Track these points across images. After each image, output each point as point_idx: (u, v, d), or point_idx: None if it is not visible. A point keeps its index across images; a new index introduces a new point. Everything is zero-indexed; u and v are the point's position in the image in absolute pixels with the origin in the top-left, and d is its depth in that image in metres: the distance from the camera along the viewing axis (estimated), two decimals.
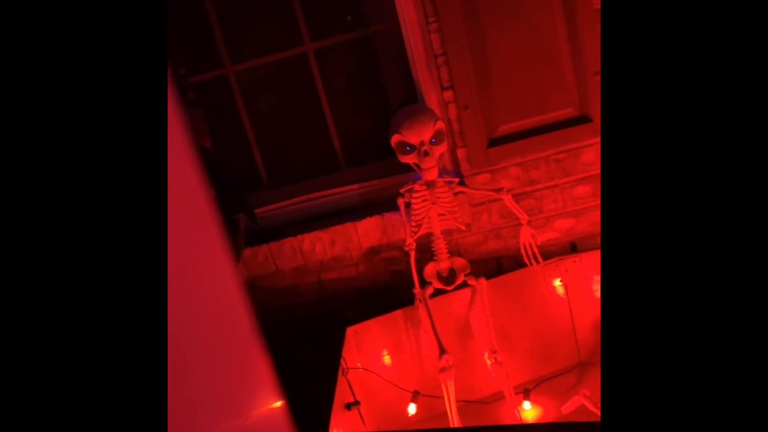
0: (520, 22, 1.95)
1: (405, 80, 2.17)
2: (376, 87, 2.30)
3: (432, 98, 2.10)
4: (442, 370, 1.92)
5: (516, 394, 2.05)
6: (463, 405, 2.13)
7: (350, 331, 2.04)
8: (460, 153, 2.12)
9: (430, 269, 2.10)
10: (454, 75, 2.01)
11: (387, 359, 2.18)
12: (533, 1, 1.93)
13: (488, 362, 2.05)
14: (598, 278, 2.19)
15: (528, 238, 2.13)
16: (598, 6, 1.93)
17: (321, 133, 2.30)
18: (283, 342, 2.01)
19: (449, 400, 1.93)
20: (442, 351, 1.92)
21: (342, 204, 2.29)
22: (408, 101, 2.12)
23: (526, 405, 2.05)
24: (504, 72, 2.00)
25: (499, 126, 2.07)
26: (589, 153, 2.10)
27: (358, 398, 1.87)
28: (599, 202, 2.15)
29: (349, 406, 1.74)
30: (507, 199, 2.09)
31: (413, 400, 2.00)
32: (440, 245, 2.09)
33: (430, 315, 2.01)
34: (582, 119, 2.04)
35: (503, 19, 1.95)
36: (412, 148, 1.99)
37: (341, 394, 1.76)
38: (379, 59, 2.25)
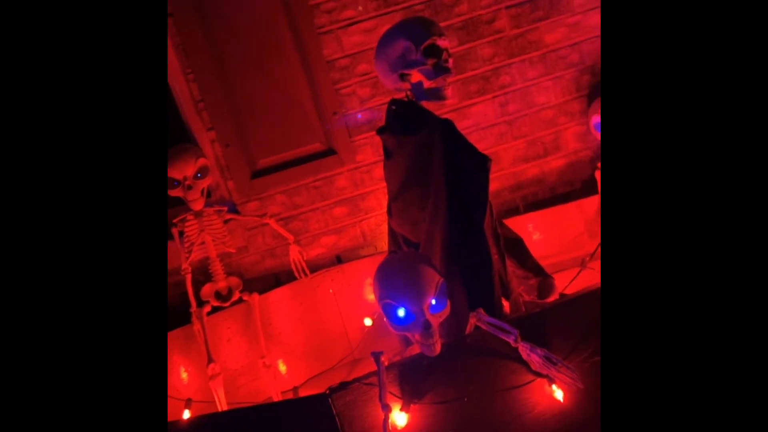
0: (265, 74, 2.22)
1: (179, 121, 2.37)
2: None
3: (203, 138, 2.32)
4: (211, 377, 2.12)
5: (284, 393, 2.29)
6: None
7: None
8: (230, 184, 2.36)
9: (207, 289, 2.29)
10: (213, 118, 2.25)
11: (185, 375, 2.33)
12: (274, 56, 2.22)
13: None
14: (368, 281, 2.51)
15: (296, 255, 2.40)
16: (330, 58, 2.27)
17: None
18: None
19: (220, 403, 2.13)
20: (210, 360, 2.13)
21: None
22: (184, 141, 2.33)
23: None
24: (257, 115, 2.26)
25: (259, 160, 2.33)
26: (341, 179, 2.42)
27: None
28: (354, 220, 2.47)
29: None
30: (272, 222, 2.35)
31: (186, 407, 2.18)
32: (216, 267, 2.29)
33: (203, 329, 2.20)
34: (329, 152, 2.35)
35: (250, 72, 2.21)
36: (179, 182, 2.20)
37: None
38: None
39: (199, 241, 2.24)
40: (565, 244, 2.44)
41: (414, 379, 1.46)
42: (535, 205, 2.52)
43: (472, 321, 1.43)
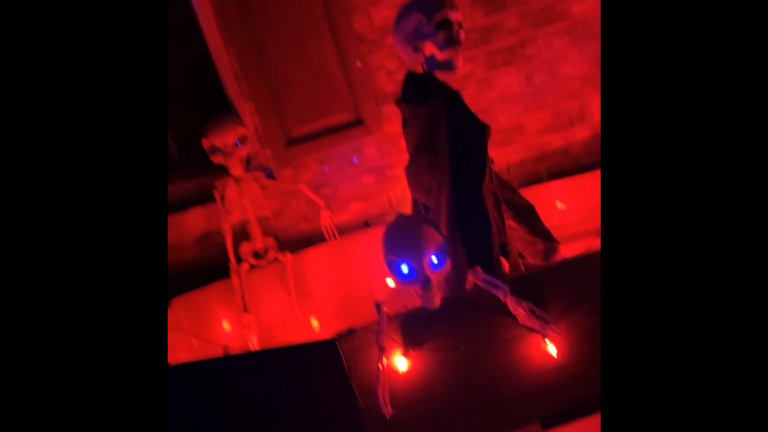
0: (299, 48, 2.36)
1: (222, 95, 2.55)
2: (210, 100, 2.66)
3: (243, 108, 2.49)
4: (245, 327, 2.33)
5: None
6: None
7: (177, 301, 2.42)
8: (266, 153, 2.53)
9: (245, 248, 2.50)
10: (251, 89, 2.41)
11: (226, 324, 2.57)
12: (308, 31, 2.34)
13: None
14: None
15: (326, 219, 2.56)
16: (360, 32, 2.36)
17: None
18: None
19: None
20: (245, 311, 2.34)
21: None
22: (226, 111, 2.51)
23: None
24: (292, 86, 2.40)
25: (294, 129, 2.48)
26: (369, 148, 2.54)
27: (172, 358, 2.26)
28: (382, 188, 2.59)
29: None
30: (304, 189, 2.51)
31: (224, 353, 2.41)
32: (254, 228, 2.49)
33: (241, 284, 2.41)
34: (358, 122, 2.47)
35: (285, 47, 2.35)
36: (220, 150, 2.39)
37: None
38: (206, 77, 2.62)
39: (239, 204, 2.44)
40: (585, 213, 2.47)
41: (415, 329, 1.58)
42: (559, 175, 2.55)
43: (470, 278, 1.53)
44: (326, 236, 2.55)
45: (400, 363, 1.56)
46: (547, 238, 1.86)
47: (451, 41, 1.65)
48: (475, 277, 1.51)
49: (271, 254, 2.49)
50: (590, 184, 2.55)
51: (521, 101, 2.47)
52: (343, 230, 2.58)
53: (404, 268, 1.55)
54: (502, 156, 2.54)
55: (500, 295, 1.44)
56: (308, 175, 2.54)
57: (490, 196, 1.61)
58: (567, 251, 2.33)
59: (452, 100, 1.62)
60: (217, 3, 2.31)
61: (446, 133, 1.57)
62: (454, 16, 1.67)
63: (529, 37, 2.39)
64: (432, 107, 1.62)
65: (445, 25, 1.65)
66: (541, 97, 2.47)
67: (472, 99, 2.42)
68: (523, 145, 2.52)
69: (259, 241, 2.48)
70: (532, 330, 1.47)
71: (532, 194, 2.48)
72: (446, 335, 1.61)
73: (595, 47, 2.42)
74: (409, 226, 1.55)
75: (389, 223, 1.60)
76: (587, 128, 2.51)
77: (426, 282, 1.51)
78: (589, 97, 2.47)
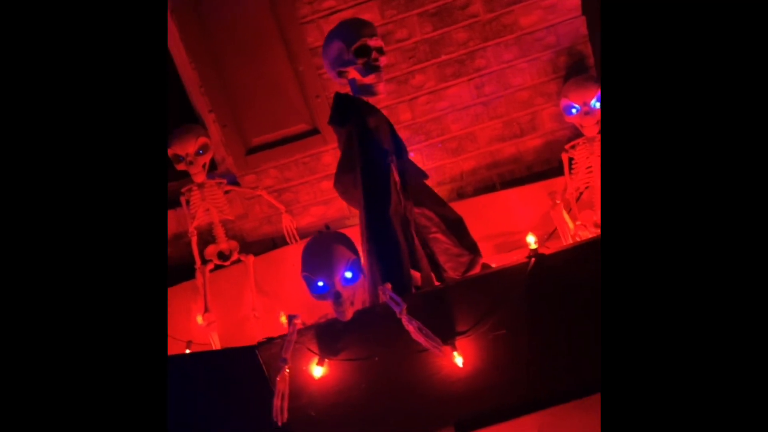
0: (255, 63, 2.45)
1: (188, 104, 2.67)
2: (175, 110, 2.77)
3: (207, 118, 2.61)
4: (208, 324, 2.48)
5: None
6: None
7: None
8: (229, 160, 2.64)
9: (210, 250, 2.63)
10: (212, 101, 2.52)
11: (199, 318, 2.72)
12: (262, 45, 2.42)
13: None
14: None
15: (288, 223, 2.67)
16: (313, 45, 2.44)
17: None
18: None
19: (215, 345, 2.49)
20: (206, 310, 2.48)
21: None
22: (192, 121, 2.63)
23: None
24: (250, 98, 2.50)
25: (253, 138, 2.58)
26: (327, 156, 2.63)
27: None
28: None
29: None
30: (264, 194, 2.63)
31: (187, 347, 2.56)
32: (218, 231, 2.62)
33: (204, 284, 2.55)
34: (314, 131, 2.56)
35: (242, 61, 2.45)
36: (183, 158, 2.51)
37: None
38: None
39: (203, 208, 2.57)
40: (537, 220, 2.52)
41: (330, 340, 1.69)
42: (512, 182, 2.60)
43: (380, 294, 1.63)
44: (287, 239, 2.66)
45: (316, 370, 1.68)
46: (472, 251, 1.94)
47: (370, 68, 1.72)
48: (383, 293, 1.61)
49: (235, 255, 2.62)
50: (542, 192, 2.60)
51: (472, 111, 2.52)
52: (305, 233, 2.69)
53: (320, 283, 1.66)
54: (455, 164, 2.60)
55: (397, 311, 1.54)
56: (269, 181, 2.65)
57: (398, 217, 1.70)
58: (517, 257, 2.40)
59: (367, 126, 1.70)
60: (178, 21, 2.41)
61: (359, 158, 1.65)
62: (374, 42, 1.74)
63: (478, 49, 2.43)
64: (348, 132, 1.71)
65: (365, 52, 1.72)
66: (491, 107, 2.51)
67: (424, 109, 2.52)
68: (475, 153, 2.58)
69: (223, 243, 2.61)
70: (418, 344, 1.57)
71: (485, 201, 2.56)
72: (362, 345, 1.72)
73: (545, 57, 2.44)
74: (323, 245, 1.65)
75: (306, 243, 1.70)
76: (538, 137, 2.55)
77: (337, 296, 1.62)
78: (539, 106, 2.51)
